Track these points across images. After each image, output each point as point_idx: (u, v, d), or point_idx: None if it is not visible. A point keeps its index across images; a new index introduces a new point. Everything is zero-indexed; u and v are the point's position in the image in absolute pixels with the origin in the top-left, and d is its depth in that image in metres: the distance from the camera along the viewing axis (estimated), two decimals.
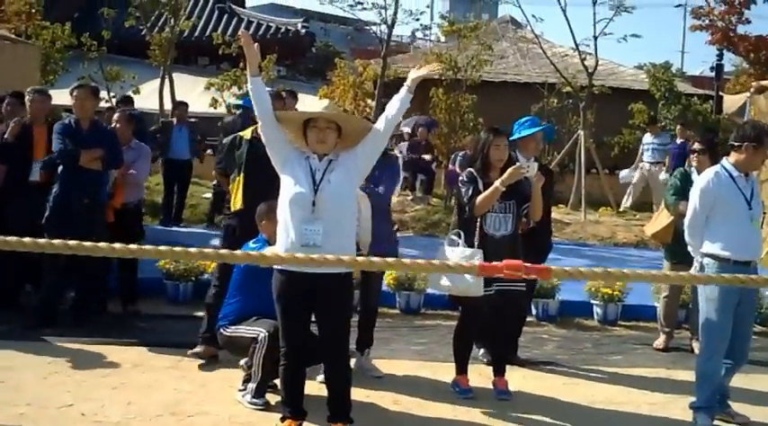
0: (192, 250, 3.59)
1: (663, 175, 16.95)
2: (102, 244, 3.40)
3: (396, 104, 5.53)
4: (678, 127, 17.96)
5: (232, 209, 7.22)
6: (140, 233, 9.03)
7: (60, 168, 8.06)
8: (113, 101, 18.23)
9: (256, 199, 6.77)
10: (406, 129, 18.10)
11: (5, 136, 8.48)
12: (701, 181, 6.39)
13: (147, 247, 3.63)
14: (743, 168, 6.21)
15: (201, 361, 7.05)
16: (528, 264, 3.55)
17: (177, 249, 3.51)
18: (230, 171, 7.30)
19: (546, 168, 7.91)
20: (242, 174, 7.08)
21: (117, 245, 3.43)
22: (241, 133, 7.31)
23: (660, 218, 8.37)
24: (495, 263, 3.62)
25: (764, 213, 6.48)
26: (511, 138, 7.14)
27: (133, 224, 8.90)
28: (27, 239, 3.43)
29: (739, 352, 6.28)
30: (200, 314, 7.26)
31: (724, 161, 6.29)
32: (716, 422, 6.27)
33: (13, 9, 18.30)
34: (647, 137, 17.65)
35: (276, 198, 6.58)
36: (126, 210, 8.72)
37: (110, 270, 8.59)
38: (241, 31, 5.72)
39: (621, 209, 17.31)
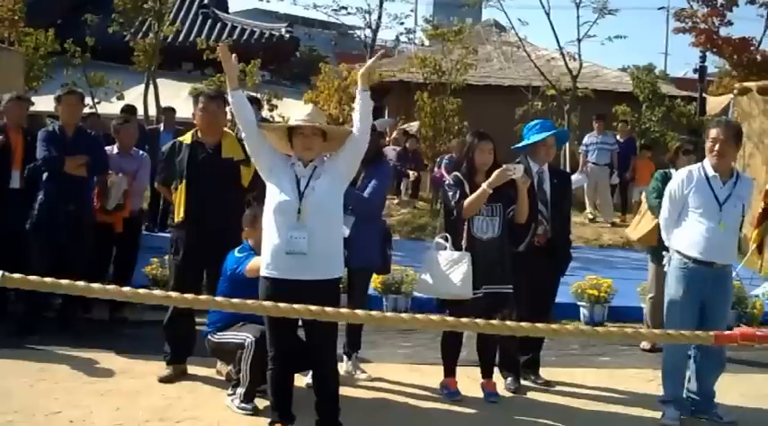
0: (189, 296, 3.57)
1: (615, 179, 16.83)
2: (95, 286, 3.39)
3: (358, 108, 5.51)
4: (620, 124, 17.94)
5: (175, 221, 6.92)
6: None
7: (45, 175, 8.01)
8: (97, 107, 18.20)
9: (200, 207, 6.68)
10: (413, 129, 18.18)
11: None
12: (672, 181, 6.47)
13: (141, 291, 3.58)
14: (716, 168, 6.22)
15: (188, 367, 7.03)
16: (760, 332, 3.52)
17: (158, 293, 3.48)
18: (171, 180, 6.97)
19: (564, 174, 7.94)
20: (184, 182, 6.79)
21: (110, 287, 3.45)
22: (180, 138, 7.07)
23: (644, 222, 8.36)
24: (730, 333, 3.57)
25: (743, 217, 6.45)
26: (520, 145, 7.14)
27: (135, 232, 8.91)
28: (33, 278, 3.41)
29: (713, 351, 6.30)
30: (199, 320, 7.12)
31: (705, 161, 6.32)
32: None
33: None
34: (591, 137, 16.63)
35: (220, 204, 6.57)
36: (128, 219, 8.72)
37: (100, 275, 8.55)
38: (219, 46, 5.67)
39: (591, 217, 16.89)
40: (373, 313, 3.60)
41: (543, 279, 6.84)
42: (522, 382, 7.07)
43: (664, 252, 6.74)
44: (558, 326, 3.65)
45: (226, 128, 7.18)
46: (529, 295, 6.69)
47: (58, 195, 7.94)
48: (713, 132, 6.23)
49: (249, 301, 3.57)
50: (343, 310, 3.83)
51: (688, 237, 6.23)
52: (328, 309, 3.53)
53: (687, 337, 3.77)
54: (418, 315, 3.85)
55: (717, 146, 6.17)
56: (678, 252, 6.30)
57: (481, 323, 3.55)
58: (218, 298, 3.66)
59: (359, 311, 3.78)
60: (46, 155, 7.91)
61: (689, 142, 8.33)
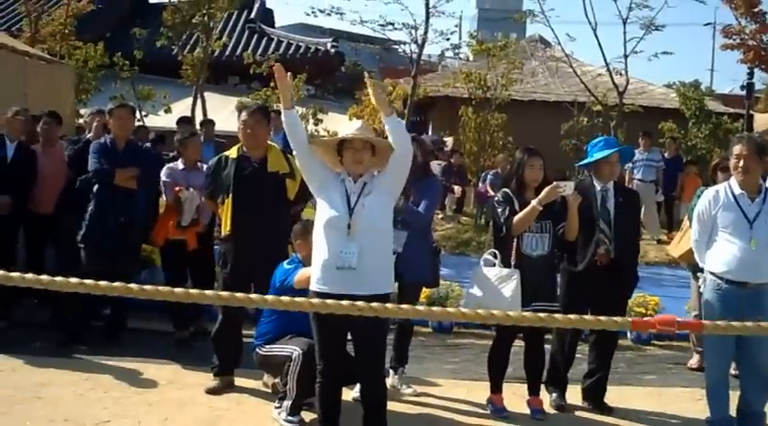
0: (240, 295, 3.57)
1: (659, 196, 16.64)
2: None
3: (389, 134, 5.43)
4: (666, 141, 17.76)
5: (222, 234, 6.97)
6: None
7: (96, 187, 8.10)
8: (145, 120, 18.40)
9: (246, 220, 6.71)
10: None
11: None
12: (699, 201, 6.36)
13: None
14: (743, 186, 6.10)
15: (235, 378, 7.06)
16: (680, 319, 3.47)
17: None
18: (218, 194, 7.05)
19: (631, 192, 7.81)
20: (230, 196, 6.84)
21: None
22: (226, 153, 7.11)
23: (685, 239, 8.20)
24: (647, 319, 3.53)
25: None
26: (584, 162, 7.10)
27: (209, 247, 8.84)
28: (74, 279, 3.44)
29: (756, 370, 6.19)
30: (246, 332, 7.18)
31: (732, 179, 6.21)
32: None
33: (47, 30, 18.52)
34: (637, 154, 16.08)
35: (267, 217, 6.58)
36: (201, 234, 8.62)
37: None
38: (275, 65, 5.68)
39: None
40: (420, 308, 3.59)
41: (607, 300, 6.54)
42: (583, 405, 6.98)
43: (699, 274, 6.64)
44: (546, 316, 3.60)
45: (270, 141, 7.23)
46: (593, 314, 6.63)
47: (108, 207, 8.02)
48: (736, 148, 6.10)
49: (239, 295, 3.53)
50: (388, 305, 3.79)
51: (719, 257, 6.11)
52: (373, 304, 3.53)
53: (603, 322, 3.68)
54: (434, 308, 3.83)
55: (741, 163, 6.04)
56: (711, 272, 6.19)
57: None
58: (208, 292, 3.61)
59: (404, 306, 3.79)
60: (97, 167, 8.00)
61: (727, 159, 8.18)
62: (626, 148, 7.45)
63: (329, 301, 3.57)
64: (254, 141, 6.90)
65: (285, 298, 3.65)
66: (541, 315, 3.68)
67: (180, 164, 8.67)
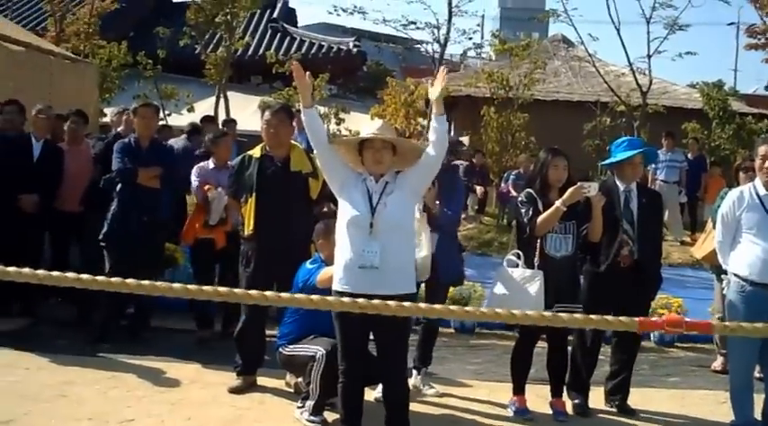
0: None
1: (682, 197, 16.56)
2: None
3: (433, 133, 5.47)
4: (690, 141, 17.64)
5: (245, 234, 6.98)
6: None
7: (119, 186, 8.14)
8: (167, 119, 18.46)
9: (269, 220, 6.72)
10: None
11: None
12: (723, 203, 6.31)
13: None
14: None
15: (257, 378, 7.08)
16: (688, 320, 3.46)
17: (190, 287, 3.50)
18: (241, 194, 7.06)
19: (654, 193, 7.78)
20: (253, 196, 6.88)
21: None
22: (250, 152, 7.11)
23: (708, 241, 8.15)
24: (654, 320, 3.50)
25: None
26: (606, 162, 7.07)
27: (237, 246, 8.87)
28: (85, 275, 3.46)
29: None
30: (269, 332, 7.19)
31: (756, 180, 6.16)
32: None
33: (72, 29, 18.61)
34: (660, 154, 15.84)
35: (290, 217, 6.59)
36: (230, 233, 8.50)
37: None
38: (293, 64, 5.68)
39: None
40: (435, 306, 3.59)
41: (630, 302, 6.49)
42: (606, 408, 6.94)
43: (723, 276, 6.59)
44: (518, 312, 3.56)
45: (293, 141, 7.23)
46: (618, 315, 6.59)
47: (131, 206, 8.05)
48: (762, 149, 6.06)
49: (268, 293, 3.53)
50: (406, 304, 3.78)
51: (743, 259, 6.06)
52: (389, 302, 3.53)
53: (610, 322, 3.63)
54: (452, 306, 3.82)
55: (766, 163, 6.01)
56: (735, 274, 6.14)
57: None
58: (173, 285, 3.59)
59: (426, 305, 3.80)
60: (120, 166, 8.04)
61: (750, 159, 8.10)
62: (650, 150, 7.36)
63: (359, 300, 3.58)
64: (278, 141, 6.90)
65: (315, 297, 3.65)
66: (546, 313, 3.65)
67: (210, 163, 8.69)
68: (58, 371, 7.16)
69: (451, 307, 3.76)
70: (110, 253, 8.11)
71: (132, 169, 8.02)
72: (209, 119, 13.77)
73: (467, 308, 4.15)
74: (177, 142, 11.87)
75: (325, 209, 7.12)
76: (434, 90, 5.48)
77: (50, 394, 6.54)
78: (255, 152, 7.02)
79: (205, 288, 3.54)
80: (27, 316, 8.76)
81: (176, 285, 3.44)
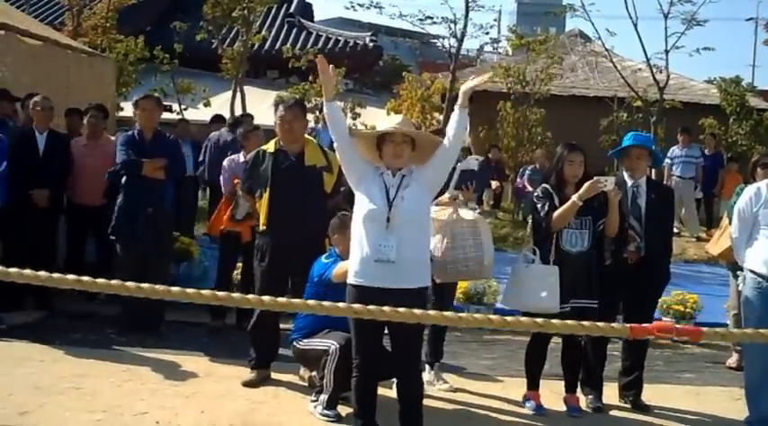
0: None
1: (698, 193, 16.47)
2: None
3: (454, 124, 5.48)
4: (707, 137, 17.54)
5: (260, 228, 6.97)
6: None
7: (124, 178, 8.18)
8: (184, 113, 18.50)
9: (284, 214, 6.71)
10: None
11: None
12: (740, 198, 6.28)
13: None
14: None
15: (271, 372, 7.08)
16: (679, 325, 3.43)
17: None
18: (255, 189, 7.04)
19: (665, 188, 7.73)
20: (268, 190, 6.84)
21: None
22: (264, 147, 7.11)
23: (724, 237, 8.10)
24: (645, 326, 3.47)
25: None
26: (611, 152, 7.10)
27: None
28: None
29: None
30: (283, 326, 7.17)
31: None
32: None
33: (89, 23, 18.65)
34: (676, 150, 16.30)
35: (304, 211, 6.58)
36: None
37: (229, 284, 8.63)
38: (318, 58, 5.67)
39: (676, 231, 16.32)
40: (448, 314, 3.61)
41: (636, 298, 6.53)
42: (620, 404, 6.90)
43: (738, 272, 6.55)
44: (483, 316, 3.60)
45: (306, 135, 7.23)
46: (625, 311, 6.58)
47: (136, 198, 8.09)
48: None
49: (235, 295, 3.57)
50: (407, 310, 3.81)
51: (760, 255, 6.04)
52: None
53: (601, 329, 3.63)
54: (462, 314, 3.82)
55: None
56: (751, 271, 6.11)
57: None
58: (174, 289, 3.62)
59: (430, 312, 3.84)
60: (125, 158, 8.07)
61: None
62: (646, 139, 7.18)
63: (370, 307, 3.62)
64: (292, 135, 6.90)
65: (326, 303, 3.68)
66: (538, 320, 3.66)
67: (241, 157, 8.64)
68: (73, 364, 7.19)
69: (445, 313, 3.78)
70: (121, 245, 8.15)
71: (137, 161, 8.05)
72: (218, 119, 13.82)
73: (461, 315, 4.20)
74: (222, 135, 12.00)
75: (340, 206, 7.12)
76: (469, 84, 5.51)
77: (65, 386, 6.56)
78: (270, 147, 7.02)
79: (219, 293, 3.57)
80: (42, 309, 8.80)
81: (174, 289, 3.49)
